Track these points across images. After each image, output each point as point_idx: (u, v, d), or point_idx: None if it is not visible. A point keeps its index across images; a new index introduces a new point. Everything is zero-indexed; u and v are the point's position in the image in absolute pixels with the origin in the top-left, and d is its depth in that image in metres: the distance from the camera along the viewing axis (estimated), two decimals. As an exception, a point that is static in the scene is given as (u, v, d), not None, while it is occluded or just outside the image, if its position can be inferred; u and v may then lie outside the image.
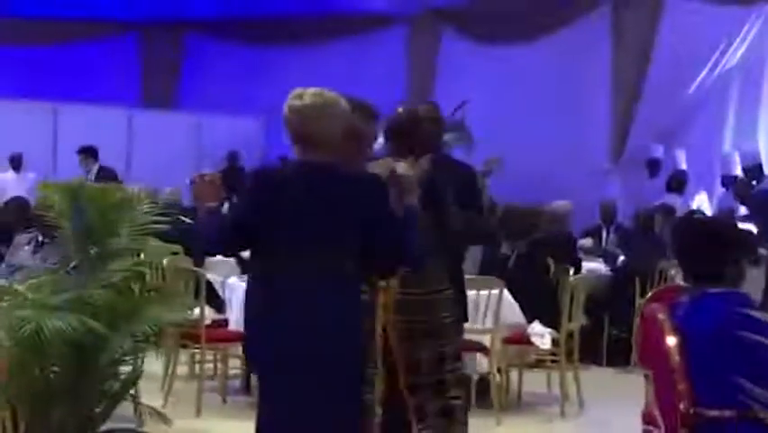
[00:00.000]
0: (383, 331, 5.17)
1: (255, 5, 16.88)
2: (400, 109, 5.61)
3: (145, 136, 16.01)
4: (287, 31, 17.22)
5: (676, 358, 4.65)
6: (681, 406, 4.60)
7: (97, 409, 4.96)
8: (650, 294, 5.45)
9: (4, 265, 7.52)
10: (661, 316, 4.88)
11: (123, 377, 4.96)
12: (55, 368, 4.90)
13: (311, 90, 4.16)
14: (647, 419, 5.29)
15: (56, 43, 17.37)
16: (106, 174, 13.18)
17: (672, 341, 4.71)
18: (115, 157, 15.43)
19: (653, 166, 13.89)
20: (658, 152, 14.00)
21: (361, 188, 4.16)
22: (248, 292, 4.31)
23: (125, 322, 4.83)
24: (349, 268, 4.11)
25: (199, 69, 17.86)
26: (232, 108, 16.50)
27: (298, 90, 4.16)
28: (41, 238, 7.34)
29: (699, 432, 4.56)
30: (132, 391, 5.11)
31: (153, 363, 8.13)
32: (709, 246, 4.53)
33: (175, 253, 8.95)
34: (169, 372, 7.93)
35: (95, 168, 13.54)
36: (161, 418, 4.89)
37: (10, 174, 13.75)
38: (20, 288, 5.05)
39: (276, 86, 16.78)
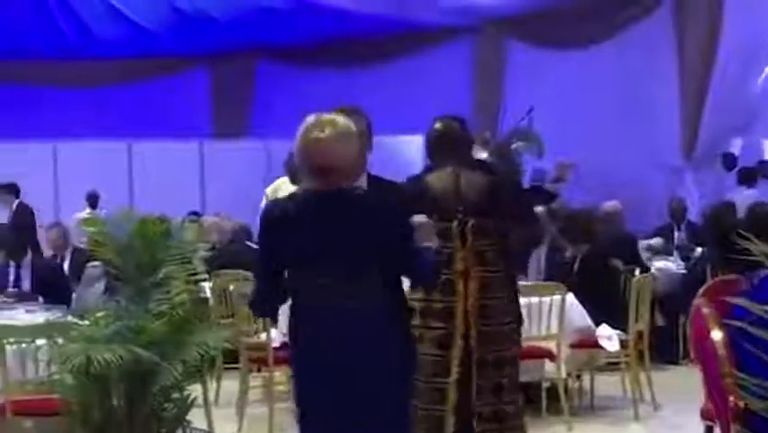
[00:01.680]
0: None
1: (322, 30, 17.03)
2: (437, 125, 5.71)
3: (217, 166, 16.24)
4: (353, 53, 17.36)
5: (722, 352, 4.58)
6: (731, 400, 4.54)
7: (155, 437, 5.05)
8: (702, 289, 5.37)
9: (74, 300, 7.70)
10: (705, 310, 4.82)
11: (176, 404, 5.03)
12: (111, 399, 5.00)
13: (325, 118, 4.09)
14: (706, 414, 5.23)
15: (126, 82, 17.75)
16: (23, 210, 13.41)
17: (717, 335, 4.65)
18: (189, 188, 15.72)
19: (729, 160, 13.65)
20: (734, 145, 13.77)
21: (376, 215, 4.11)
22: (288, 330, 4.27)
23: (174, 350, 4.91)
24: (376, 294, 4.06)
25: (269, 97, 18.07)
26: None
27: (312, 119, 4.08)
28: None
29: (753, 426, 4.46)
30: (187, 417, 5.17)
31: (230, 388, 8.31)
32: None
33: (246, 279, 9.17)
34: (243, 395, 8.01)
35: (14, 204, 13.73)
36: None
37: (87, 212, 14.04)
38: (75, 321, 5.18)
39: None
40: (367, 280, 4.06)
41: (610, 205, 9.65)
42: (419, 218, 4.17)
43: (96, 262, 7.84)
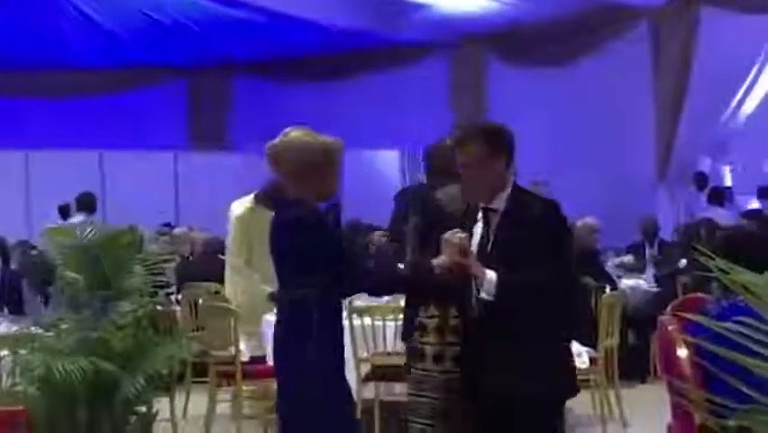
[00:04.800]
0: None
1: (300, 45, 17.02)
2: (448, 140, 5.56)
3: (193, 179, 16.19)
4: (330, 67, 17.35)
5: (687, 369, 4.59)
6: (696, 417, 4.54)
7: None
8: (670, 306, 5.37)
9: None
10: (671, 327, 4.83)
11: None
12: (75, 410, 4.94)
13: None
14: (671, 431, 5.22)
15: (101, 93, 17.67)
16: None
17: (683, 353, 4.65)
18: (163, 200, 15.65)
19: (701, 180, 13.75)
20: (705, 165, 13.85)
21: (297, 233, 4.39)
22: None
23: (139, 362, 4.86)
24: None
25: (245, 111, 18.04)
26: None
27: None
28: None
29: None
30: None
31: (199, 404, 8.25)
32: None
33: (217, 292, 9.14)
34: (210, 410, 7.95)
35: None
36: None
37: (58, 223, 13.94)
38: (38, 332, 5.13)
39: (323, 122, 16.96)
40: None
41: (585, 221, 9.66)
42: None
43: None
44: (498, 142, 4.60)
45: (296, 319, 4.37)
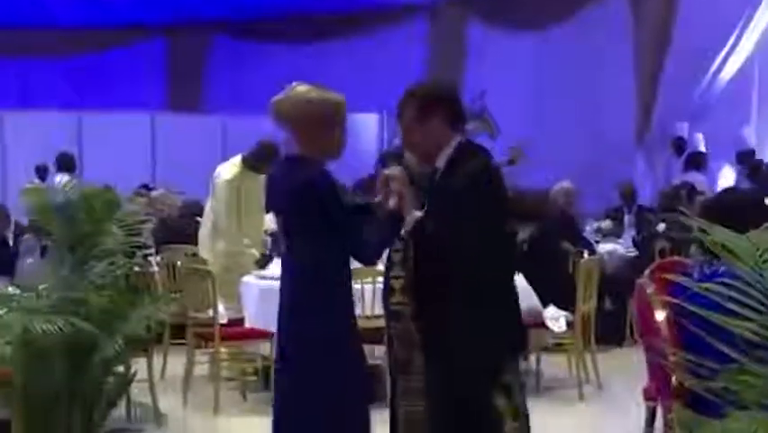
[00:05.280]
0: None
1: (279, 6, 16.92)
2: None
3: (170, 140, 16.10)
4: (310, 28, 17.26)
5: (665, 331, 4.60)
6: (673, 379, 4.55)
7: (96, 411, 4.99)
8: (648, 269, 5.38)
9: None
10: (650, 289, 4.84)
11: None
12: (53, 371, 4.92)
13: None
14: (648, 394, 5.25)
15: (79, 52, 17.53)
16: None
17: (660, 315, 4.67)
18: (140, 161, 15.58)
19: (679, 145, 13.78)
20: (683, 130, 13.88)
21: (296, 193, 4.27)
22: None
23: (117, 323, 4.85)
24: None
25: (224, 72, 17.94)
26: (257, 109, 16.52)
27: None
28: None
29: (694, 405, 4.47)
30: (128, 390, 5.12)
31: (176, 366, 8.25)
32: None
33: (194, 255, 9.11)
34: (188, 372, 7.95)
35: None
36: (156, 416, 4.88)
37: (35, 183, 13.87)
38: (15, 292, 5.11)
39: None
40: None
41: (562, 185, 9.67)
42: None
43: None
44: (429, 104, 4.48)
45: (305, 283, 4.29)
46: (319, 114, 4.34)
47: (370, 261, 4.56)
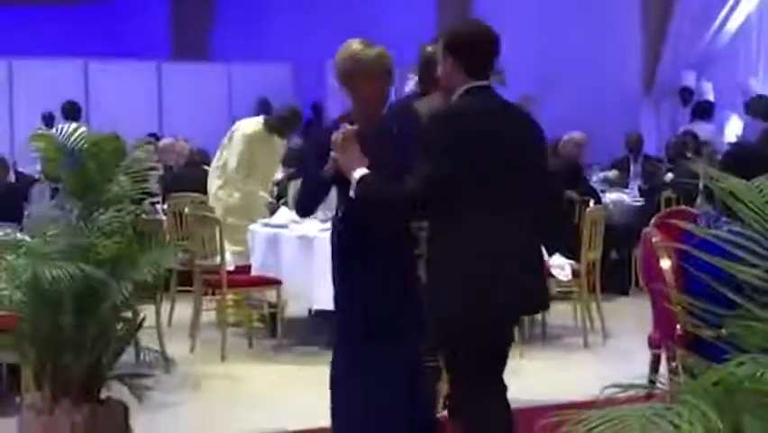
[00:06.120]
0: None
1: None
2: (429, 48, 5.49)
3: (175, 88, 16.08)
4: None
5: (671, 278, 4.63)
6: (678, 326, 4.59)
7: (105, 356, 5.02)
8: (654, 218, 5.40)
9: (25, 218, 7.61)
10: (655, 238, 4.86)
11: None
12: (61, 316, 4.95)
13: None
14: (653, 342, 5.29)
15: (85, 1, 17.45)
16: None
17: (666, 263, 4.69)
18: (147, 110, 15.58)
19: (686, 94, 13.71)
20: (689, 80, 13.81)
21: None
22: None
23: (125, 268, 4.86)
24: None
25: (229, 19, 17.84)
26: (263, 57, 16.49)
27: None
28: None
29: (699, 352, 4.50)
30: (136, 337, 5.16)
31: (184, 312, 8.31)
32: None
33: (202, 203, 9.15)
34: (195, 318, 8.01)
35: None
36: (164, 361, 4.91)
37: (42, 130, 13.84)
38: (24, 238, 5.13)
39: (306, 35, 16.85)
40: None
41: (572, 135, 9.64)
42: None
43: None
44: (448, 45, 4.33)
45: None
46: (376, 70, 4.62)
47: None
